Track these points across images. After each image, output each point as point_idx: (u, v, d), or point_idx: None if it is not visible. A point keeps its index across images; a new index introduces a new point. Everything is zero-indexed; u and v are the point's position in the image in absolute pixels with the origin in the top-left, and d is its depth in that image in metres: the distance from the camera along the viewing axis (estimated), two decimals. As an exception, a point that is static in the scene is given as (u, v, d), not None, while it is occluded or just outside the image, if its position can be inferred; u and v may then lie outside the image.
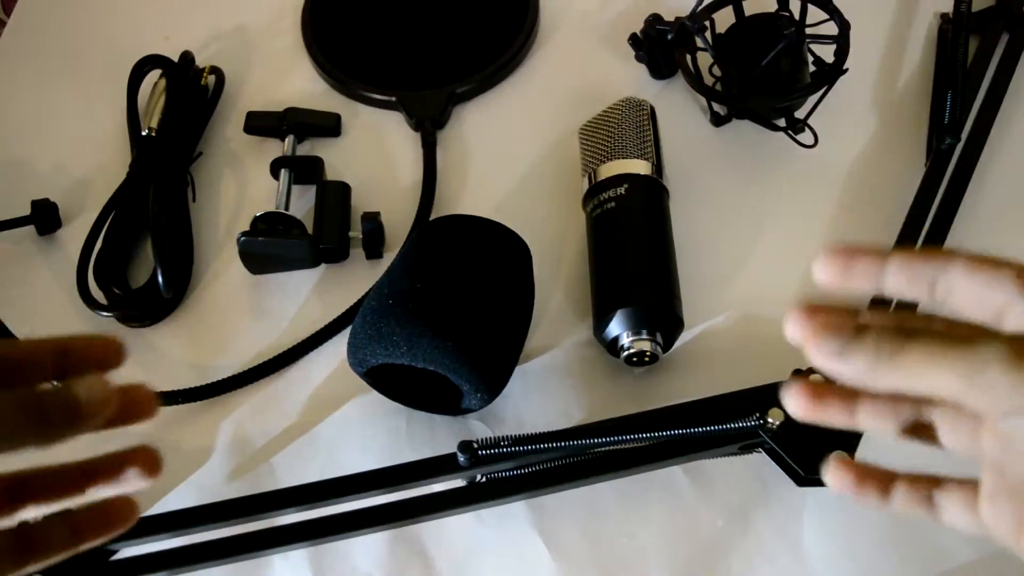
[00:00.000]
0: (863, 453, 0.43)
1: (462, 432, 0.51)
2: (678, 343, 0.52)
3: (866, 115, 0.62)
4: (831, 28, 0.57)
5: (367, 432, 0.52)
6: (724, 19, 0.59)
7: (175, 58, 0.66)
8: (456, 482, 0.46)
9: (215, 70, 0.67)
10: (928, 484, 0.32)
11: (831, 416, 0.32)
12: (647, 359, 0.50)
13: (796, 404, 0.31)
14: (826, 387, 0.32)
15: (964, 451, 0.31)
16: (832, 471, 0.33)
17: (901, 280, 0.29)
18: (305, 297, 0.58)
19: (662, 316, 0.50)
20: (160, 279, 0.56)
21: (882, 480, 0.32)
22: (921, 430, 0.32)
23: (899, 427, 0.32)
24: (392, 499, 0.46)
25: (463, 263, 0.49)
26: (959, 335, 0.27)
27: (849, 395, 0.32)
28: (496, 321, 0.48)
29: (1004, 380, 0.25)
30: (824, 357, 0.28)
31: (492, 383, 0.48)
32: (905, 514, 0.32)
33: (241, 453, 0.52)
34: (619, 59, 0.66)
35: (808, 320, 0.28)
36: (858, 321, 0.28)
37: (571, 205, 0.58)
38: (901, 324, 0.28)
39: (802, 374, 0.46)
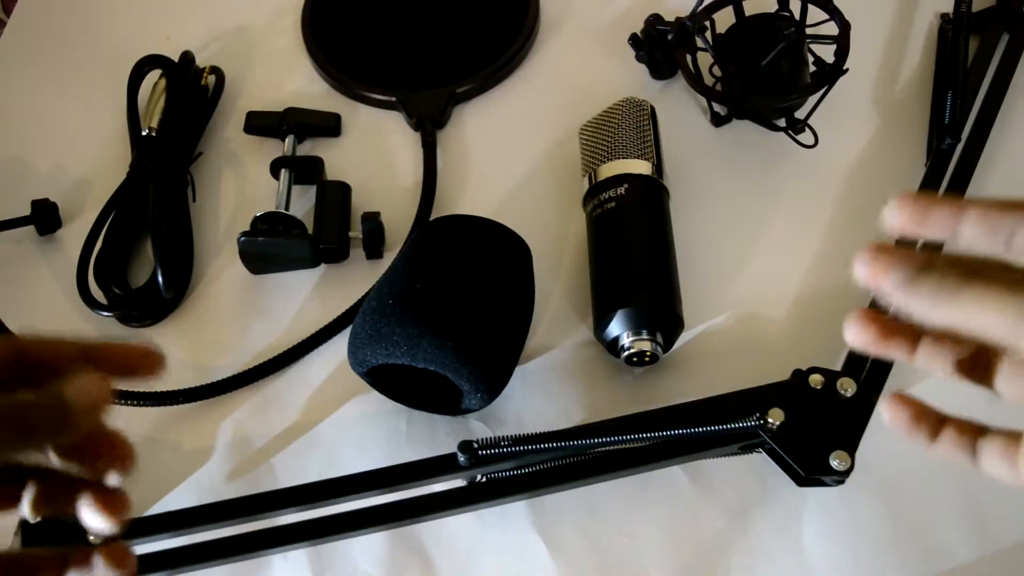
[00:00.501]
0: (863, 452, 0.43)
1: (462, 432, 0.51)
2: (678, 343, 0.52)
3: (866, 115, 0.62)
4: (831, 28, 0.57)
5: (367, 432, 0.52)
6: (724, 19, 0.59)
7: (175, 58, 0.66)
8: (456, 482, 0.46)
9: (215, 70, 0.67)
10: (974, 431, 0.32)
11: (892, 349, 0.32)
12: (647, 359, 0.50)
13: (860, 334, 0.31)
14: (891, 321, 0.31)
15: (1017, 399, 0.30)
16: (890, 407, 0.33)
17: (978, 230, 0.28)
18: (305, 297, 0.58)
19: (662, 316, 0.50)
20: (160, 279, 0.56)
21: (934, 421, 0.33)
22: (976, 372, 0.32)
23: (954, 367, 0.32)
24: (392, 499, 0.46)
25: (463, 263, 0.49)
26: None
27: (911, 333, 0.32)
28: (496, 321, 0.48)
29: None
30: (894, 287, 0.28)
31: (492, 383, 0.48)
32: (948, 457, 0.32)
33: (241, 453, 0.52)
34: (619, 59, 0.66)
35: (879, 255, 0.29)
36: (925, 259, 0.28)
37: (571, 205, 0.58)
38: (968, 266, 0.28)
39: (803, 373, 0.46)
